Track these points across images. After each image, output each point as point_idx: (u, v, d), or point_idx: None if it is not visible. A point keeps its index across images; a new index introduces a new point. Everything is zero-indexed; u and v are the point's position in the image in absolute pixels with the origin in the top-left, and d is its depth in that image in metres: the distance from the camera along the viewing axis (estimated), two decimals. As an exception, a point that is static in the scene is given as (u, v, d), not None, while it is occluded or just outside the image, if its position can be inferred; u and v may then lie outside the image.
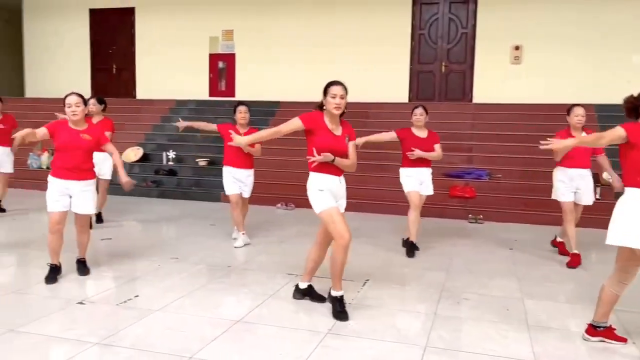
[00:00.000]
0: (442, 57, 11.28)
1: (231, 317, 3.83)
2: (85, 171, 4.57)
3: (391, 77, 11.20)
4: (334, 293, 3.89)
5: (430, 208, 6.95)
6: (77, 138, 4.48)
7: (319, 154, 3.77)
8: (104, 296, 4.27)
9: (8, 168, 7.43)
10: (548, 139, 3.73)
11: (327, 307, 4.05)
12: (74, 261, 4.81)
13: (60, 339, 3.39)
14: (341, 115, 3.88)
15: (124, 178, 4.76)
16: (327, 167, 3.85)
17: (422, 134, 5.74)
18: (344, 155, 3.90)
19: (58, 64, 13.59)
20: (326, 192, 3.85)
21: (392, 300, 4.29)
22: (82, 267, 4.76)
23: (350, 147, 3.96)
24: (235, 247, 5.85)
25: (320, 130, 3.83)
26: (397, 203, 7.55)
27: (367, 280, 4.76)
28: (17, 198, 8.18)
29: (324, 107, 3.84)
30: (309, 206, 7.55)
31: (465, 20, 11.07)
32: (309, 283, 4.20)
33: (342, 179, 3.99)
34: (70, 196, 4.52)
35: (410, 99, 11.24)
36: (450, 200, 8.19)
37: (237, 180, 5.91)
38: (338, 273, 3.85)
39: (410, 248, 5.70)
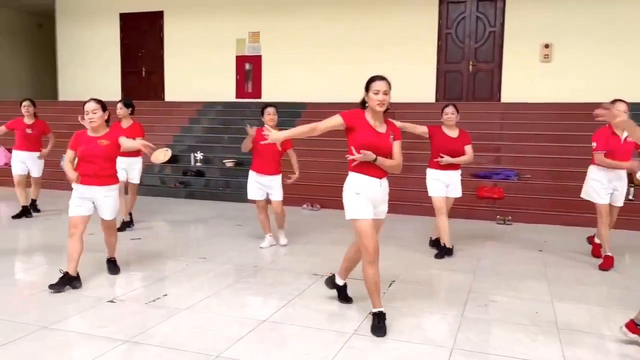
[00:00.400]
0: (469, 57, 11.15)
1: (257, 316, 3.86)
2: (106, 177, 4.52)
3: (418, 77, 11.12)
4: (373, 310, 3.68)
5: (458, 209, 6.87)
6: (94, 145, 4.44)
7: (358, 152, 3.52)
8: (133, 295, 4.35)
9: (35, 172, 7.43)
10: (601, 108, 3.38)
11: (353, 307, 4.05)
12: (105, 260, 4.92)
13: (92, 336, 3.47)
14: (385, 112, 3.66)
15: (143, 147, 4.49)
16: (367, 168, 3.59)
17: (453, 133, 5.61)
18: (388, 154, 3.64)
19: (90, 68, 13.92)
20: (362, 196, 3.59)
21: (418, 302, 4.25)
22: (113, 267, 4.86)
23: (396, 146, 3.70)
24: (261, 248, 5.89)
25: (361, 126, 3.59)
26: (422, 204, 7.48)
27: (393, 281, 4.74)
28: (50, 199, 8.39)
29: (367, 105, 3.64)
30: (334, 207, 7.60)
31: (493, 18, 10.92)
32: (344, 282, 4.15)
33: (384, 181, 3.71)
34: (93, 202, 4.50)
35: (437, 99, 11.15)
36: (478, 201, 8.07)
37: (262, 186, 5.86)
38: (372, 290, 3.63)
39: (441, 251, 5.62)
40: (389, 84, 3.63)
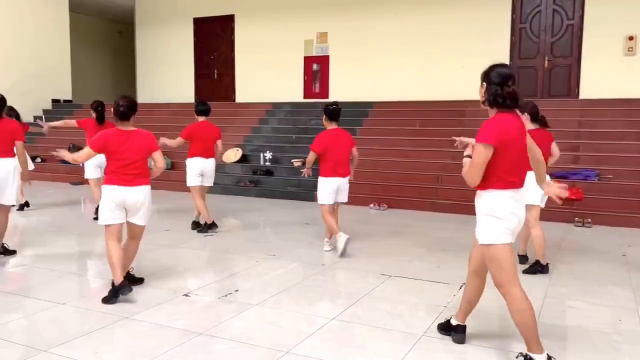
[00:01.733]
0: (545, 52, 10.69)
1: (326, 314, 3.89)
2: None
3: None
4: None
5: (532, 210, 6.60)
6: None
7: None
8: (206, 289, 4.51)
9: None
10: None
11: (422, 309, 4.00)
12: (180, 256, 5.10)
13: (169, 327, 3.63)
14: (493, 106, 3.04)
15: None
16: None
17: None
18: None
19: (165, 71, 14.56)
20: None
21: (489, 305, 4.12)
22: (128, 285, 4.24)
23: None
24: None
25: None
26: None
27: (464, 283, 4.61)
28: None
29: None
30: (401, 207, 7.56)
31: (572, 10, 10.40)
32: (457, 323, 3.47)
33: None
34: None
35: (509, 96, 10.76)
36: (555, 202, 7.70)
37: None
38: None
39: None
40: (480, 76, 3.12)
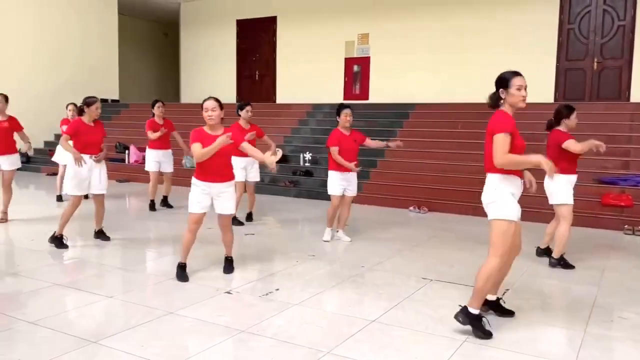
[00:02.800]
0: (594, 53, 10.37)
1: (366, 316, 3.89)
2: (228, 173, 4.65)
3: (535, 75, 10.34)
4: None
5: (580, 217, 6.41)
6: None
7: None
8: (247, 287, 4.57)
9: (168, 168, 8.12)
10: None
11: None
12: (222, 254, 5.18)
13: (212, 324, 3.70)
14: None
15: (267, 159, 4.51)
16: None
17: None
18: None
19: (208, 72, 14.84)
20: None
21: (534, 312, 4.04)
22: (228, 266, 4.94)
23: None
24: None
25: (515, 129, 3.50)
26: (540, 210, 7.08)
27: (507, 289, 4.53)
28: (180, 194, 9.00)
29: (502, 102, 3.54)
30: (442, 210, 7.44)
31: (623, 11, 10.06)
32: (495, 297, 3.88)
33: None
34: (211, 198, 4.64)
35: (555, 99, 10.50)
36: (603, 209, 7.47)
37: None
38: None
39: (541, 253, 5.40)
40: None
